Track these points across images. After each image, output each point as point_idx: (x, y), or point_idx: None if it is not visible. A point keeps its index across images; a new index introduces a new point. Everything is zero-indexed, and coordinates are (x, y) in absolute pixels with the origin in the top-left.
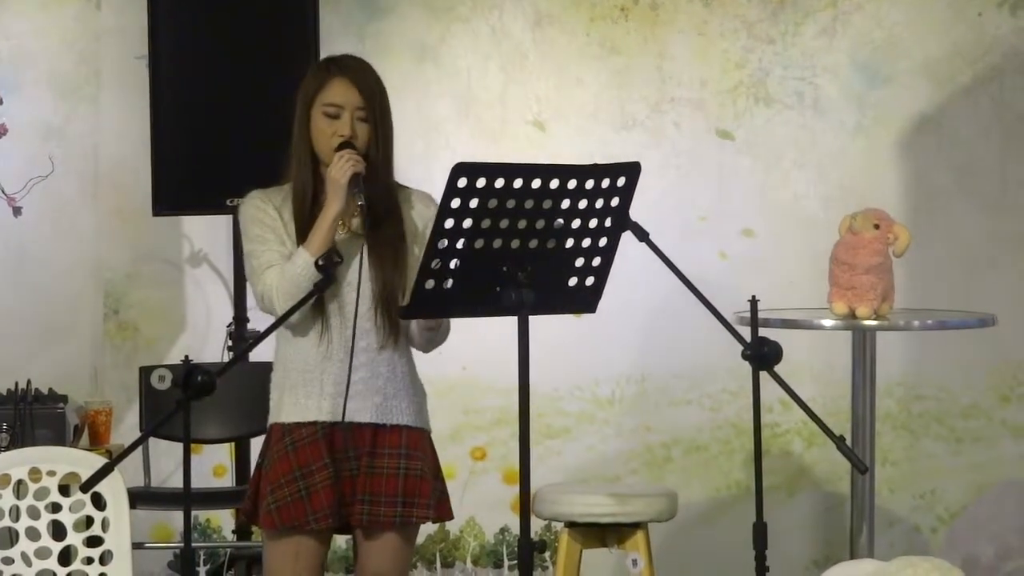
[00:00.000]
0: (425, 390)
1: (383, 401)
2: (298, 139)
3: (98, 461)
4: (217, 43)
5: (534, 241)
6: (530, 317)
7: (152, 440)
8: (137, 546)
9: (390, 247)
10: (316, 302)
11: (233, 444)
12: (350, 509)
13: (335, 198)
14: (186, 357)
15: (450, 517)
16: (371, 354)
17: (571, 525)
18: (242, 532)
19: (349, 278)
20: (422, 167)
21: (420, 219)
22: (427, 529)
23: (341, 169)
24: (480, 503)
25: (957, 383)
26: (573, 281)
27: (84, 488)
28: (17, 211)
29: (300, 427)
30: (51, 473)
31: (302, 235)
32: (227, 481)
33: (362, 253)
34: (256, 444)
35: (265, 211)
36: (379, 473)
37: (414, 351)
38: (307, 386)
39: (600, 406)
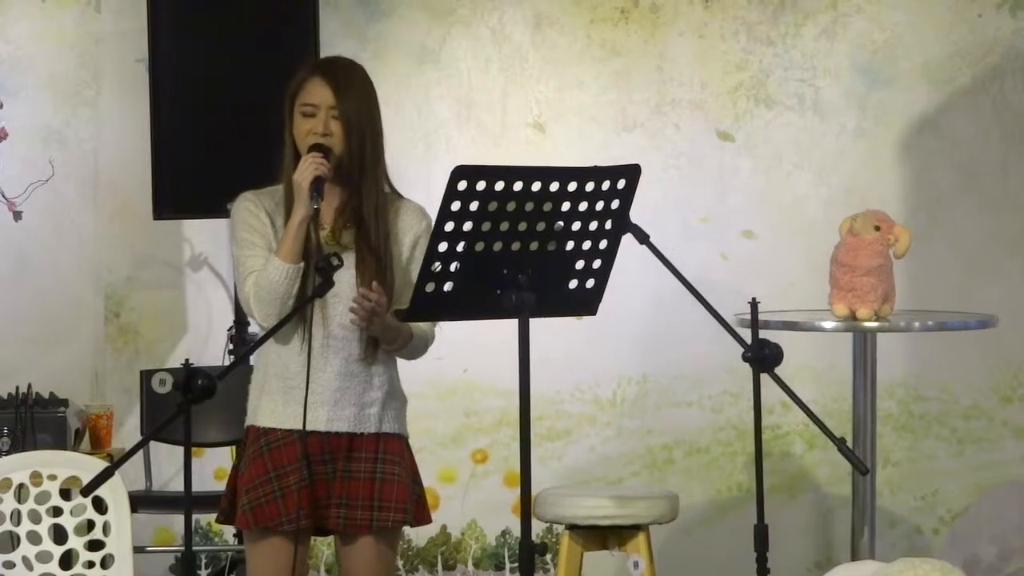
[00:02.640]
0: (406, 397)
1: (361, 411)
2: (286, 141)
3: (99, 465)
4: (217, 46)
5: (534, 244)
6: (531, 319)
7: (153, 444)
8: (138, 550)
9: (374, 258)
10: (300, 312)
11: (234, 447)
12: (326, 512)
13: (300, 202)
14: (187, 361)
15: (428, 521)
16: (352, 364)
17: (572, 527)
18: (243, 536)
19: (336, 290)
20: (422, 170)
21: (409, 232)
22: (429, 532)
23: (303, 173)
24: (481, 506)
25: (958, 384)
26: (574, 283)
27: (85, 492)
28: (17, 215)
29: (275, 430)
30: (52, 477)
31: None
32: None
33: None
34: None
35: (256, 215)
36: (355, 477)
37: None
38: (286, 393)
39: (601, 408)
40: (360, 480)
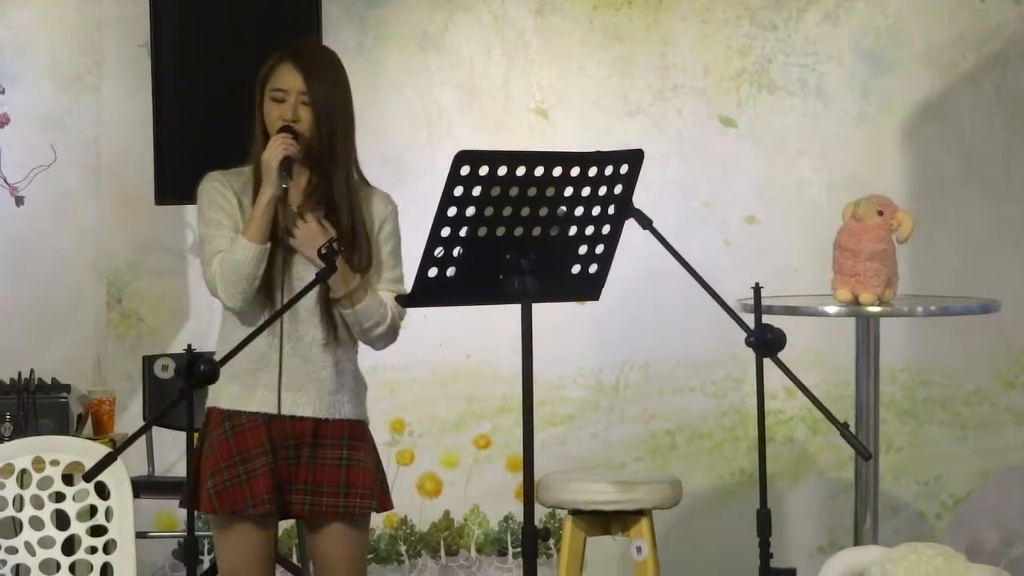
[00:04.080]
0: (366, 383)
1: (325, 396)
2: (256, 125)
3: (101, 450)
4: (219, 31)
5: (537, 229)
6: (533, 305)
7: (155, 429)
8: (141, 535)
9: (344, 243)
10: (267, 294)
11: None
12: (289, 498)
13: (268, 181)
14: (189, 346)
15: (391, 507)
16: (316, 349)
17: (575, 513)
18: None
19: (302, 273)
20: (425, 155)
21: (377, 217)
22: (432, 517)
23: (272, 152)
24: (484, 491)
25: (961, 369)
26: (576, 268)
27: (87, 477)
28: (19, 201)
29: (240, 414)
30: (54, 462)
31: None
32: None
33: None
34: None
35: (224, 195)
36: (322, 464)
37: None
38: (251, 376)
39: (604, 393)
40: (327, 466)
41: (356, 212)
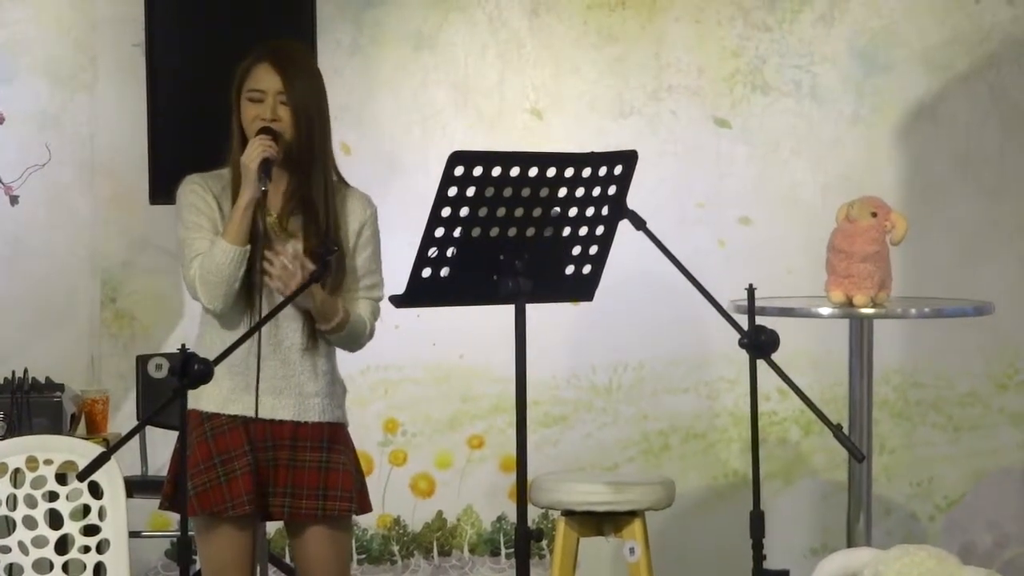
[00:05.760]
0: (345, 386)
1: (304, 399)
2: (233, 127)
3: (95, 450)
4: (214, 31)
5: (531, 229)
6: (527, 305)
7: (149, 428)
8: (134, 535)
9: (324, 247)
10: (247, 297)
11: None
12: (270, 500)
13: (247, 184)
14: (183, 345)
15: (370, 509)
16: (295, 354)
17: (568, 513)
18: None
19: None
20: (419, 156)
21: (355, 220)
22: (424, 517)
23: (250, 154)
24: (477, 491)
25: (954, 371)
26: (570, 269)
27: (81, 477)
28: (14, 200)
29: (220, 416)
30: (48, 462)
31: None
32: None
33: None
34: None
35: (203, 198)
36: (301, 466)
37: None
38: (231, 379)
39: (597, 394)
40: (306, 469)
41: (332, 214)
